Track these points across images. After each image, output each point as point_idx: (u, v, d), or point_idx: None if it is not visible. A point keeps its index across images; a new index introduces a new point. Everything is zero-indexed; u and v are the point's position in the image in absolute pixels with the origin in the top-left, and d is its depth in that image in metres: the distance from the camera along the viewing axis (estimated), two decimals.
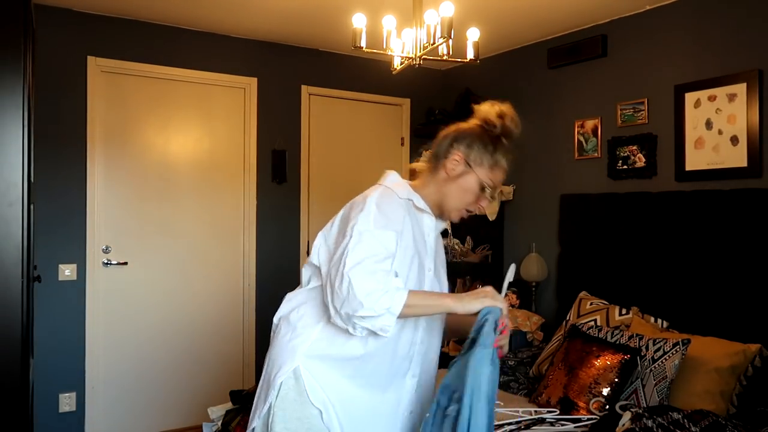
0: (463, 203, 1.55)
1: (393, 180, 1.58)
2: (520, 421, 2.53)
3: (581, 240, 3.62)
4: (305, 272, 1.59)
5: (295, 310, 1.55)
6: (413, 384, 1.57)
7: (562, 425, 2.54)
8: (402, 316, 1.37)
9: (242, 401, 2.73)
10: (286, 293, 1.65)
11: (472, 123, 1.58)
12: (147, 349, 3.77)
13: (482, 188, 1.54)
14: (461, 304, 1.40)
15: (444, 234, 2.42)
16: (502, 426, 2.49)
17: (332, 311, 1.37)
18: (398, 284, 1.38)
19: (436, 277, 1.61)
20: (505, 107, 1.57)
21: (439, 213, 1.60)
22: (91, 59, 3.59)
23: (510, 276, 1.53)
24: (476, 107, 1.59)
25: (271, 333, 1.61)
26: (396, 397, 1.55)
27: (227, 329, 4.04)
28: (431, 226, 1.58)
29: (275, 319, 1.61)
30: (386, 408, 1.53)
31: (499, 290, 1.49)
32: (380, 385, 1.52)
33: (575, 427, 2.52)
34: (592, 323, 3.13)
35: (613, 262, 3.41)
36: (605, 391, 2.64)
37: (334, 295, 1.35)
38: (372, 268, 1.34)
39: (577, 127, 3.76)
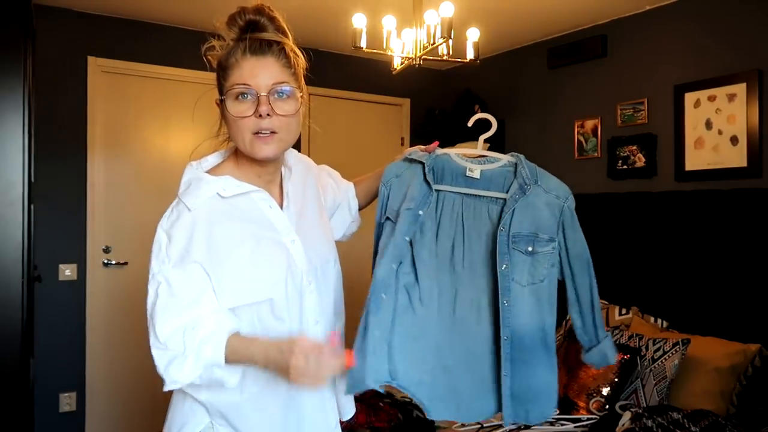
0: (243, 130, 1.20)
1: (188, 181, 1.26)
2: None
3: None
4: None
5: None
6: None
7: (562, 425, 2.54)
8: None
9: None
10: None
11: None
12: (147, 349, 3.76)
13: (238, 96, 1.20)
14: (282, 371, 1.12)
15: None
16: (501, 426, 2.49)
17: None
18: (211, 328, 1.13)
19: (310, 234, 1.33)
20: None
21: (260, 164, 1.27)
22: (91, 59, 3.59)
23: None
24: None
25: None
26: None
27: None
28: (264, 198, 1.26)
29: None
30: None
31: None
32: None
33: (575, 427, 2.52)
34: None
35: (613, 262, 3.41)
36: (605, 391, 2.64)
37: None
38: (167, 325, 1.14)
39: (577, 127, 3.76)
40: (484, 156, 1.50)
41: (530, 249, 1.45)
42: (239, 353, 1.14)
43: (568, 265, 1.52)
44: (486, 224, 1.46)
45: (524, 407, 1.45)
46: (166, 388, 1.16)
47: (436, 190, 1.47)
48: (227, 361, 1.13)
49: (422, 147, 1.52)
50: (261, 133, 1.19)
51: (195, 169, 1.29)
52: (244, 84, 1.19)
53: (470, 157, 1.51)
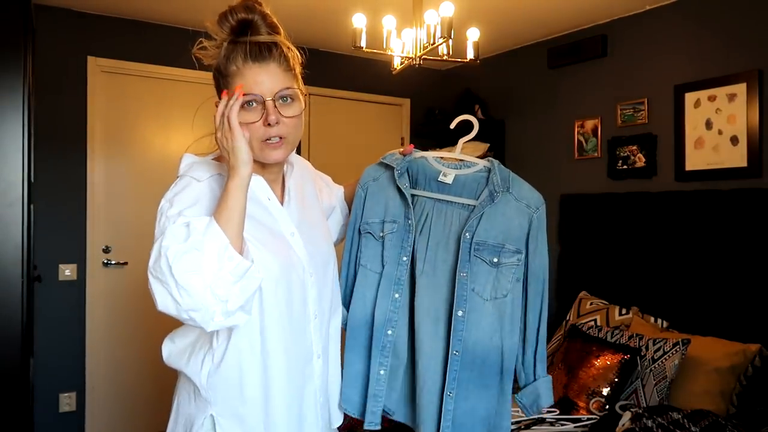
0: (251, 139, 1.19)
1: (190, 164, 1.29)
2: (520, 421, 2.53)
3: (581, 240, 3.62)
4: None
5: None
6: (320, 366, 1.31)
7: (562, 425, 2.54)
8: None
9: None
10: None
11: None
12: (147, 349, 3.77)
13: (243, 105, 1.19)
14: (236, 174, 1.12)
15: None
16: None
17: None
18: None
19: (311, 232, 1.33)
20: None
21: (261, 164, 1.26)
22: (91, 59, 3.58)
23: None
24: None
25: None
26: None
27: None
28: (262, 187, 1.26)
29: None
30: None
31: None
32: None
33: (575, 427, 2.52)
34: (592, 323, 3.13)
35: (613, 262, 3.41)
36: (605, 391, 2.64)
37: None
38: (189, 280, 1.05)
39: (577, 127, 3.76)
40: (462, 160, 1.45)
41: (495, 260, 1.36)
42: (223, 216, 1.07)
43: (524, 282, 1.40)
44: (455, 231, 1.40)
45: None
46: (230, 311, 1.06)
47: (411, 195, 1.43)
48: (230, 239, 1.06)
49: (400, 150, 1.51)
50: (270, 140, 1.20)
51: (189, 157, 1.31)
52: (250, 93, 1.18)
53: (448, 161, 1.46)
